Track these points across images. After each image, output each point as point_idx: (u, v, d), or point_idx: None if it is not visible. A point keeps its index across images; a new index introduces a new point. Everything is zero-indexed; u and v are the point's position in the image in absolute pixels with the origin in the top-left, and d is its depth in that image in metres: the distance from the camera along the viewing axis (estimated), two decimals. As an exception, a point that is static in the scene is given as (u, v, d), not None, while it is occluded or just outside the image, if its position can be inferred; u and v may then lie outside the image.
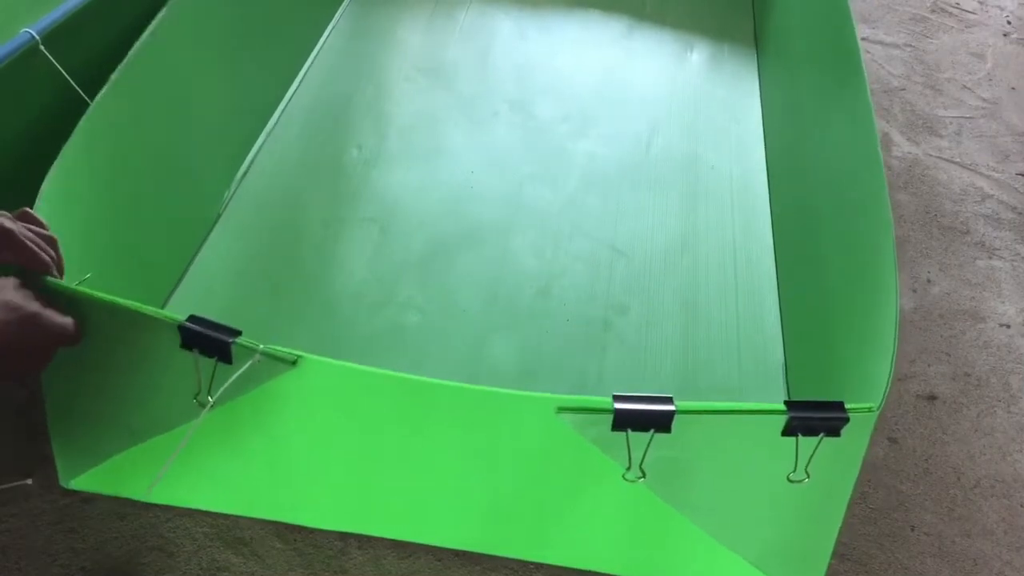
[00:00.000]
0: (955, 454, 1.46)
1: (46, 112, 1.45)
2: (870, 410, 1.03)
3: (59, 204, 1.18)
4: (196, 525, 1.27)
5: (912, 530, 1.34)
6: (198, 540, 1.25)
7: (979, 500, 1.40)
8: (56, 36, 1.41)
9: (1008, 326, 1.69)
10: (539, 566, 1.25)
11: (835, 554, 1.29)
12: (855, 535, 1.33)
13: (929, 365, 1.60)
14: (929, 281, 1.77)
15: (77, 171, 1.26)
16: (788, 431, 1.03)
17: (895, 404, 1.53)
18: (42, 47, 1.38)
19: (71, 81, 1.44)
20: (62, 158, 1.23)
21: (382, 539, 1.27)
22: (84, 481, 1.29)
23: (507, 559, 1.26)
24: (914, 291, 1.75)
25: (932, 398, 1.54)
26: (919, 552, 1.32)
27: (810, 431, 1.03)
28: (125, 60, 1.40)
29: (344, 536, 1.27)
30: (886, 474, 1.42)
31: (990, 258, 1.84)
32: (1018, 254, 1.86)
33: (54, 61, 1.41)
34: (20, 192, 1.04)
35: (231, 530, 1.27)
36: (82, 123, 1.29)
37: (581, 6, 2.44)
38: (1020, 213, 1.97)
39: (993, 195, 2.02)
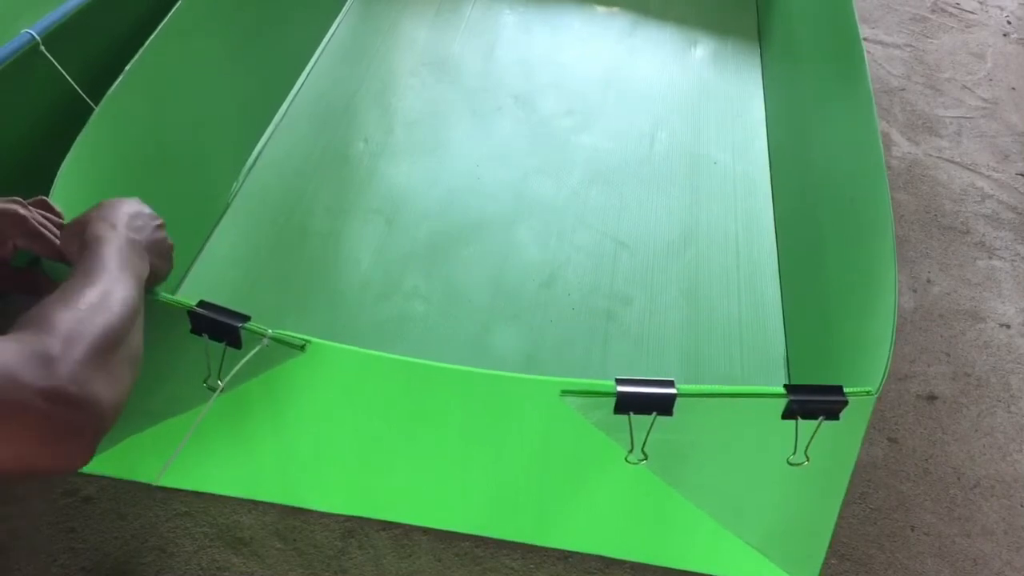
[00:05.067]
0: (955, 454, 1.46)
1: (46, 112, 1.45)
2: (868, 393, 1.04)
3: (73, 193, 1.19)
4: (196, 525, 1.27)
5: (912, 530, 1.35)
6: (198, 540, 1.26)
7: (979, 500, 1.40)
8: (56, 36, 1.41)
9: (1008, 326, 1.70)
10: (539, 566, 1.26)
11: (835, 554, 1.30)
12: (855, 535, 1.33)
13: (929, 365, 1.61)
14: (929, 281, 1.78)
15: (91, 161, 1.27)
16: (788, 414, 1.05)
17: (895, 404, 1.53)
18: (42, 47, 1.39)
19: (71, 81, 1.45)
20: (76, 148, 1.24)
21: (382, 539, 1.27)
22: (95, 465, 1.29)
23: (508, 560, 1.26)
24: (914, 291, 1.76)
25: (932, 398, 1.55)
26: (919, 552, 1.32)
27: (809, 414, 1.05)
28: (139, 53, 1.41)
29: (344, 536, 1.27)
30: (886, 474, 1.42)
31: (990, 258, 1.85)
32: (1018, 254, 1.86)
33: (54, 61, 1.41)
34: (21, 191, 1.05)
35: (231, 530, 1.27)
36: (96, 114, 1.30)
37: (586, 2, 2.45)
38: (1020, 213, 1.98)
39: (993, 195, 2.02)
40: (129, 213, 1.00)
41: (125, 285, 0.86)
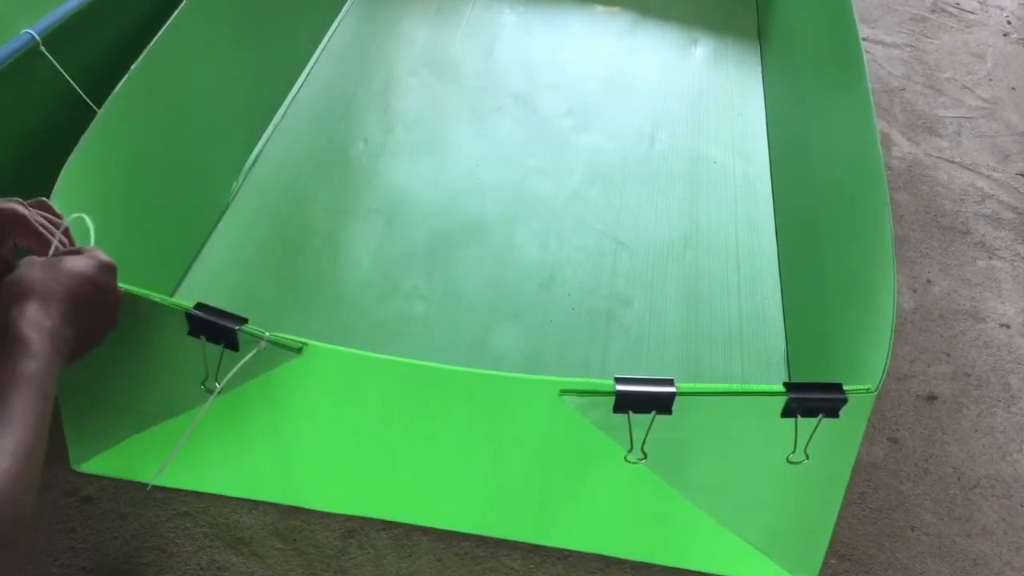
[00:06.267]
0: (955, 454, 1.46)
1: (46, 112, 1.45)
2: (868, 391, 1.04)
3: (75, 193, 1.19)
4: (196, 525, 1.27)
5: (912, 530, 1.35)
6: (198, 540, 1.26)
7: (979, 500, 1.40)
8: (56, 36, 1.41)
9: (1008, 326, 1.70)
10: (539, 566, 1.26)
11: (835, 554, 1.30)
12: (855, 535, 1.33)
13: (929, 365, 1.61)
14: (929, 281, 1.78)
15: (93, 162, 1.27)
16: (787, 412, 1.05)
17: (895, 404, 1.53)
18: (42, 47, 1.38)
19: (71, 81, 1.44)
20: (80, 149, 1.24)
21: (382, 539, 1.27)
22: (94, 464, 1.30)
23: (508, 560, 1.26)
24: (914, 291, 1.75)
25: (932, 398, 1.55)
26: (919, 552, 1.32)
27: (809, 412, 1.05)
28: (142, 54, 1.42)
29: (344, 536, 1.27)
30: (886, 474, 1.42)
31: (990, 258, 1.85)
32: (1018, 254, 1.86)
33: (54, 61, 1.41)
34: (21, 191, 1.05)
35: (231, 530, 1.27)
36: (100, 116, 1.31)
37: (586, 1, 2.45)
38: (1020, 213, 1.98)
39: (993, 195, 2.02)
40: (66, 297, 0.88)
41: (33, 439, 0.75)
